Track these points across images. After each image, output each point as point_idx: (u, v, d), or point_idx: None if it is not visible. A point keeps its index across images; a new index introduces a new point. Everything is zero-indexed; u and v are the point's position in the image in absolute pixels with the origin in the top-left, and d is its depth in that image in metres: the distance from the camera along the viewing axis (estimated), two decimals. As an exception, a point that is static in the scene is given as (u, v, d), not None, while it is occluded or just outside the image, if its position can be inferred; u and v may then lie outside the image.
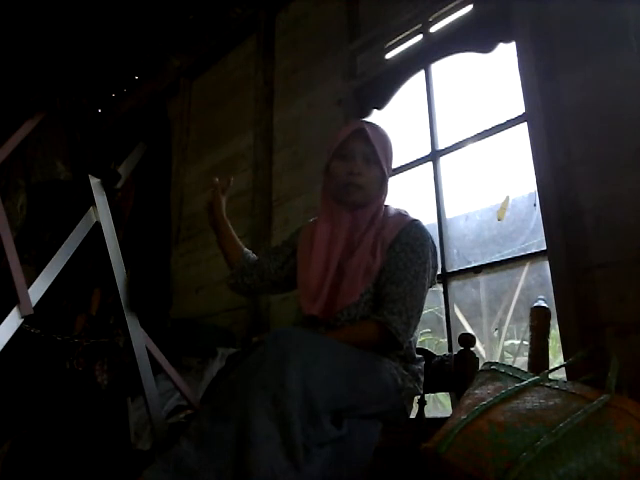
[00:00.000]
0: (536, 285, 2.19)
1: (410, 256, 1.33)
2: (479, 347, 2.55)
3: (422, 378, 1.38)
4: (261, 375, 1.05)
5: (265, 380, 1.04)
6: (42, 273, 1.47)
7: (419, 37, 2.45)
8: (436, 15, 2.39)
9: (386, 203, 1.48)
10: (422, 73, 2.44)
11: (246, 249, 1.61)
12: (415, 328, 1.32)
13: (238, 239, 1.62)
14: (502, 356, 2.60)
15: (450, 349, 2.00)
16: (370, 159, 1.39)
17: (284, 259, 1.54)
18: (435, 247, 1.42)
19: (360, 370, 1.20)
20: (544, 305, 1.54)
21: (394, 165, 2.39)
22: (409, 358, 1.36)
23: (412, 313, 1.28)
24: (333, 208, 1.44)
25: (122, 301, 1.58)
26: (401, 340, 1.26)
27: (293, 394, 1.02)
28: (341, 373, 1.13)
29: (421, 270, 1.32)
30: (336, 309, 1.33)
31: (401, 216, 1.42)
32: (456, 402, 1.30)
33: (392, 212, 1.44)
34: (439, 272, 2.11)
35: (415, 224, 1.39)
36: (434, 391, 1.68)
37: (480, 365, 1.32)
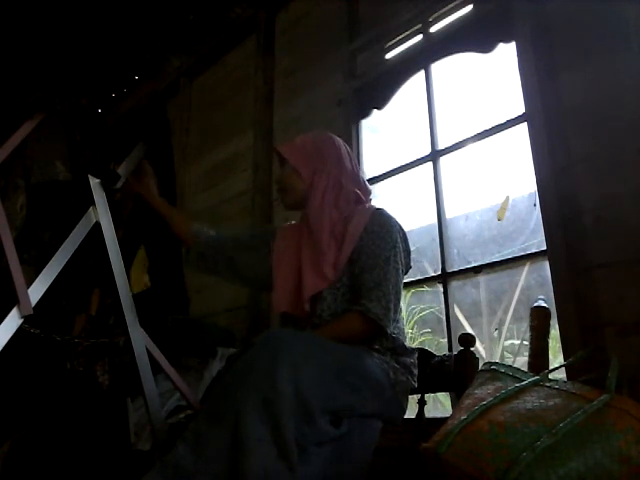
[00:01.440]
0: (536, 285, 2.19)
1: (378, 243, 1.36)
2: (479, 347, 2.55)
3: (415, 371, 1.38)
4: (253, 377, 1.06)
5: (256, 382, 1.04)
6: (42, 273, 1.47)
7: (419, 37, 2.45)
8: (436, 15, 2.39)
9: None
10: (422, 73, 2.44)
11: (194, 224, 1.63)
12: (396, 312, 1.33)
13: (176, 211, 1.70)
14: (502, 356, 2.59)
15: (450, 349, 2.00)
16: (282, 163, 1.51)
17: (262, 257, 1.56)
18: (404, 232, 1.45)
19: (351, 367, 1.20)
20: (544, 305, 1.54)
21: (393, 166, 2.42)
22: (399, 350, 1.36)
23: (390, 297, 1.30)
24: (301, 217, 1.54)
25: (122, 301, 1.58)
26: (383, 324, 1.27)
27: (284, 395, 1.02)
28: (333, 371, 1.14)
29: (391, 255, 1.35)
30: (303, 301, 1.36)
31: (365, 209, 1.45)
32: (456, 402, 1.30)
33: (357, 207, 1.47)
34: (439, 272, 2.13)
35: (379, 212, 1.43)
36: (434, 391, 1.68)
37: (480, 365, 1.32)
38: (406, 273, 1.46)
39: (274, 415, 1.01)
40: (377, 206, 1.47)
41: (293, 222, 1.61)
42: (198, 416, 1.11)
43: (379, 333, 1.31)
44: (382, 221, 1.40)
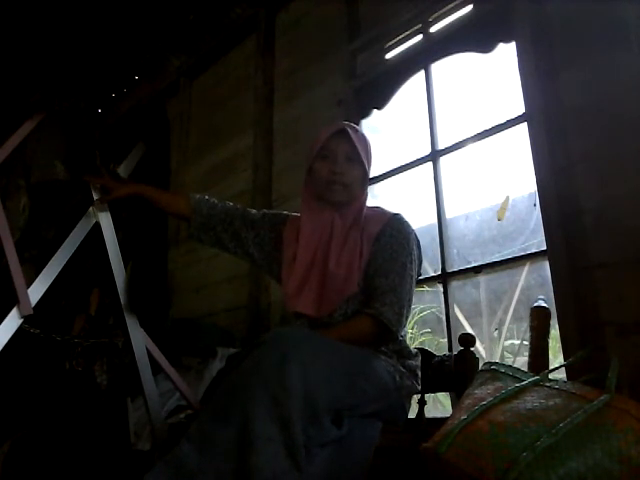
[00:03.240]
0: (536, 285, 2.19)
1: (396, 248, 1.34)
2: (479, 347, 2.55)
3: (419, 373, 1.38)
4: (261, 376, 1.05)
5: (265, 381, 1.04)
6: (42, 273, 1.47)
7: (419, 37, 2.45)
8: (436, 15, 2.39)
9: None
10: (422, 73, 2.44)
11: (192, 196, 1.54)
12: (407, 319, 1.33)
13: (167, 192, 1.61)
14: (502, 356, 2.59)
15: (450, 349, 2.00)
16: (353, 158, 1.40)
17: (268, 246, 1.51)
18: (418, 240, 1.43)
19: (359, 369, 1.20)
20: (544, 305, 1.54)
21: (393, 166, 2.42)
22: (405, 352, 1.36)
23: (403, 303, 1.29)
24: (315, 208, 1.44)
25: (121, 301, 1.58)
26: (395, 330, 1.27)
27: (293, 395, 1.02)
28: (340, 373, 1.13)
29: (408, 262, 1.34)
30: (332, 306, 1.33)
31: (382, 212, 1.44)
32: (456, 402, 1.30)
33: (372, 210, 1.46)
34: (439, 272, 2.13)
35: (397, 218, 1.41)
36: (434, 391, 1.68)
37: (480, 365, 1.32)
38: (416, 280, 1.45)
39: (283, 414, 1.00)
40: (394, 211, 1.45)
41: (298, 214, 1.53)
42: (201, 415, 1.10)
43: (389, 338, 1.30)
44: (400, 227, 1.38)
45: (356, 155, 1.40)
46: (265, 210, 1.62)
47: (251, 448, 0.97)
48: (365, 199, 1.46)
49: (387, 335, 1.29)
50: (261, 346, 1.12)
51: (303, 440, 1.01)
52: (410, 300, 1.34)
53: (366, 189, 1.46)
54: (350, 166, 1.40)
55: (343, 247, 1.38)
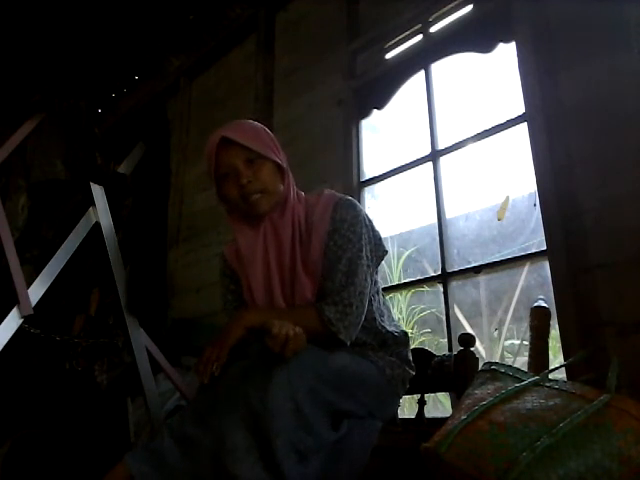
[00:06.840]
0: (536, 285, 2.19)
1: (339, 243, 1.25)
2: (479, 347, 2.54)
3: (411, 357, 1.36)
4: (244, 389, 1.05)
5: (246, 395, 1.03)
6: (42, 273, 1.47)
7: (419, 37, 2.45)
8: (436, 15, 2.39)
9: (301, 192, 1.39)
10: (422, 73, 2.44)
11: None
12: (358, 316, 1.23)
13: None
14: (502, 356, 2.59)
15: (450, 349, 2.00)
16: (252, 158, 1.27)
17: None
18: (369, 219, 1.34)
19: (348, 374, 1.17)
20: (544, 305, 1.54)
21: (393, 166, 2.42)
22: (391, 342, 1.32)
23: (349, 301, 1.20)
24: (247, 229, 1.34)
25: (121, 301, 1.58)
26: (335, 330, 1.18)
27: (276, 409, 1.01)
28: (329, 380, 1.11)
29: (355, 251, 1.24)
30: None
31: (326, 199, 1.31)
32: (456, 402, 1.30)
33: (313, 201, 1.33)
34: (439, 272, 2.13)
35: (341, 204, 1.29)
36: (434, 391, 1.68)
37: (480, 365, 1.32)
38: (382, 258, 1.38)
39: (263, 428, 0.99)
40: (338, 195, 1.33)
41: (227, 248, 1.45)
42: (185, 412, 1.11)
43: (334, 338, 1.19)
44: (343, 215, 1.27)
45: (253, 153, 1.26)
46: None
47: (229, 457, 0.97)
48: (293, 189, 1.34)
49: (331, 335, 1.19)
50: (247, 359, 1.12)
51: (300, 449, 1.01)
52: (362, 293, 1.23)
53: (287, 178, 1.32)
54: (254, 167, 1.27)
55: (297, 252, 1.28)
